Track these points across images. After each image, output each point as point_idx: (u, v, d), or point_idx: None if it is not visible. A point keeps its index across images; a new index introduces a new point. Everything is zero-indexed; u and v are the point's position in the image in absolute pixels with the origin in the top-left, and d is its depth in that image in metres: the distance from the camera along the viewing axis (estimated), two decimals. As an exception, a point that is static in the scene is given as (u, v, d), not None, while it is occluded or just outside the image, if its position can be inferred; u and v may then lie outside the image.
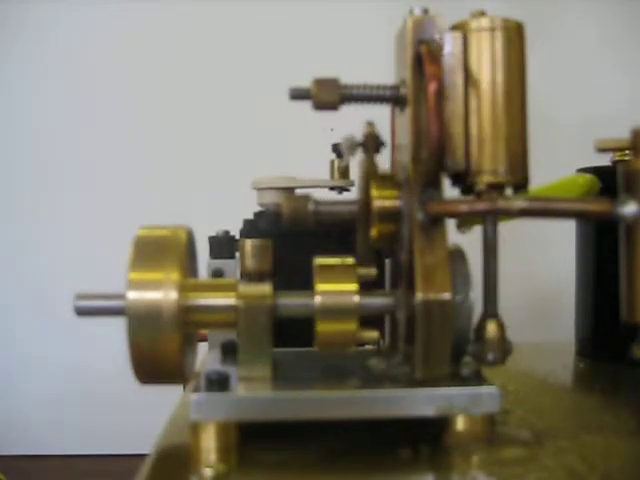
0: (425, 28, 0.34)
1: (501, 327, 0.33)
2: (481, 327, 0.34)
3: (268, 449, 0.33)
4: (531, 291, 0.89)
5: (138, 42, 0.95)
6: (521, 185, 0.34)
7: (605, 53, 0.94)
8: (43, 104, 0.96)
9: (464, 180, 0.34)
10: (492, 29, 0.33)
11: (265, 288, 0.34)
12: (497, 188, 0.33)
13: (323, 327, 0.34)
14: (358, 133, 0.39)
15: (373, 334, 0.35)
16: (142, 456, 0.33)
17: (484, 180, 0.33)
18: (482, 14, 0.34)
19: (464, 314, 0.35)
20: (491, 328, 0.33)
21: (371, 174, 0.37)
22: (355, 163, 0.40)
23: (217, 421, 0.32)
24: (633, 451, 0.34)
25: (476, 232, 0.36)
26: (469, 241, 0.38)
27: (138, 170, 0.95)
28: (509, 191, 0.34)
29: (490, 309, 0.34)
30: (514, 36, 0.34)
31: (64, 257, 0.95)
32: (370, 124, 0.38)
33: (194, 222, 0.37)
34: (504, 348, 0.33)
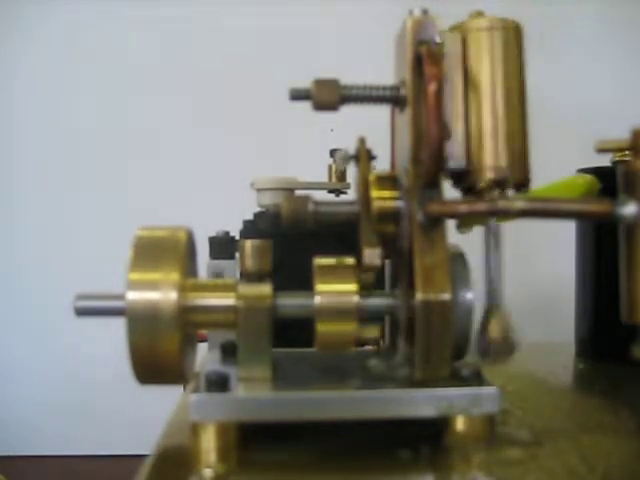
0: (425, 29, 0.34)
1: (506, 322, 0.32)
2: (484, 322, 0.33)
3: (268, 449, 0.33)
4: (531, 291, 0.89)
5: (138, 41, 0.95)
6: (523, 183, 0.34)
7: (605, 52, 0.94)
8: (42, 103, 0.96)
9: (465, 179, 0.34)
10: (490, 29, 0.33)
11: (265, 288, 0.34)
12: (499, 185, 0.33)
13: (323, 327, 0.34)
14: (357, 133, 0.39)
15: (373, 333, 0.35)
16: (142, 456, 0.33)
17: (486, 177, 0.33)
18: (480, 14, 0.34)
19: (464, 314, 0.35)
20: (494, 324, 0.32)
21: (368, 178, 0.37)
22: (352, 167, 0.41)
23: (217, 421, 0.32)
24: (633, 451, 0.34)
25: (476, 232, 0.36)
26: (469, 241, 0.38)
27: (138, 170, 0.95)
28: (510, 191, 0.34)
29: (493, 302, 0.33)
30: (512, 36, 0.34)
31: (64, 258, 0.95)
32: (362, 140, 0.38)
33: (194, 222, 0.37)
34: (508, 344, 0.32)
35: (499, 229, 0.33)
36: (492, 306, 0.33)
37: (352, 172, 0.40)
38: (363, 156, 0.38)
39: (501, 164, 0.33)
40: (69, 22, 0.95)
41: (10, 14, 0.95)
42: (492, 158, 0.33)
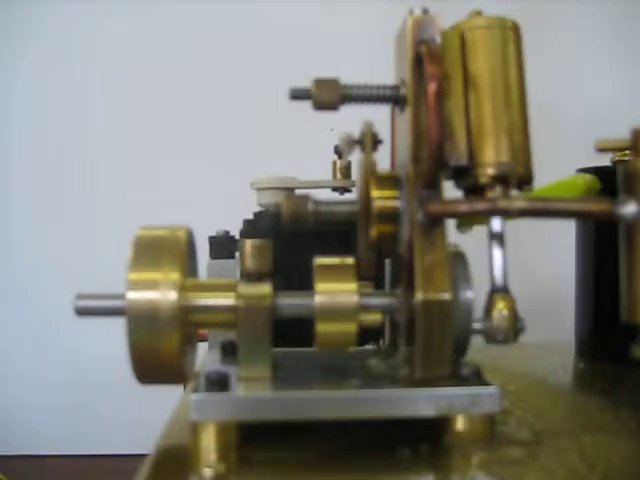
0: (425, 28, 0.34)
1: (511, 302, 0.32)
2: (489, 303, 0.32)
3: (268, 449, 0.33)
4: (531, 291, 0.88)
5: (138, 41, 0.95)
6: (526, 179, 0.34)
7: (605, 52, 0.94)
8: (40, 102, 0.96)
9: (467, 177, 0.34)
10: (489, 28, 0.33)
11: (265, 288, 0.34)
12: (501, 181, 0.33)
13: (323, 327, 0.34)
14: (357, 132, 0.39)
15: (376, 316, 0.35)
16: (142, 456, 0.33)
17: (488, 173, 0.33)
18: (479, 14, 0.34)
19: (464, 314, 0.35)
20: (500, 304, 0.32)
21: (370, 172, 0.37)
22: (356, 163, 0.40)
23: (217, 421, 0.32)
24: (633, 451, 0.34)
25: (476, 232, 0.36)
26: (469, 241, 0.38)
27: (138, 170, 0.95)
28: (513, 188, 0.34)
29: (498, 285, 0.32)
30: (511, 35, 0.34)
31: (64, 257, 0.95)
32: (367, 123, 0.37)
33: (194, 222, 0.37)
34: (515, 324, 0.32)
35: (503, 221, 0.33)
36: (496, 287, 0.32)
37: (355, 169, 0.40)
38: (368, 141, 0.37)
39: (502, 160, 0.33)
40: (66, 22, 0.95)
41: (7, 14, 0.94)
42: (493, 155, 0.33)
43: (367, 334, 0.36)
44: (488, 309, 0.32)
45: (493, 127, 0.33)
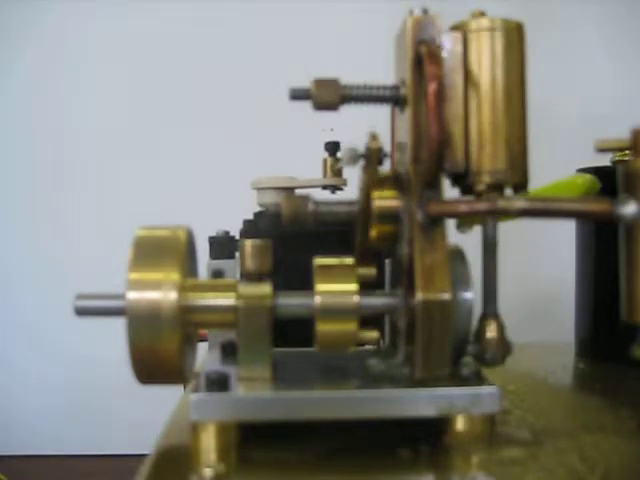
0: (425, 28, 0.34)
1: (500, 327, 0.34)
2: (480, 327, 0.34)
3: (268, 449, 0.33)
4: (531, 291, 0.89)
5: (139, 41, 0.95)
6: (521, 185, 0.34)
7: (605, 53, 0.94)
8: (41, 103, 0.96)
9: (463, 181, 0.34)
10: (492, 29, 0.33)
11: (265, 288, 0.34)
12: (497, 188, 0.33)
13: (323, 327, 0.34)
14: (357, 133, 0.39)
15: (373, 334, 0.35)
16: (142, 456, 0.33)
17: (484, 180, 0.33)
18: (482, 14, 0.34)
19: (464, 314, 0.35)
20: (490, 328, 0.33)
21: (373, 183, 0.37)
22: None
23: (217, 421, 0.32)
24: (633, 451, 0.34)
25: (476, 232, 0.36)
26: (469, 241, 0.38)
27: (138, 170, 0.95)
28: (509, 191, 0.34)
29: (489, 309, 0.34)
30: (514, 36, 0.34)
31: (64, 257, 0.95)
32: (374, 137, 0.37)
33: (194, 222, 0.37)
34: (503, 348, 0.33)
35: (496, 235, 0.34)
36: (486, 312, 0.34)
37: (350, 169, 0.39)
38: (374, 157, 0.36)
39: (499, 168, 0.33)
40: (64, 21, 0.95)
41: (5, 14, 0.94)
42: (490, 162, 0.33)
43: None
44: (479, 334, 0.34)
45: (491, 134, 0.33)
